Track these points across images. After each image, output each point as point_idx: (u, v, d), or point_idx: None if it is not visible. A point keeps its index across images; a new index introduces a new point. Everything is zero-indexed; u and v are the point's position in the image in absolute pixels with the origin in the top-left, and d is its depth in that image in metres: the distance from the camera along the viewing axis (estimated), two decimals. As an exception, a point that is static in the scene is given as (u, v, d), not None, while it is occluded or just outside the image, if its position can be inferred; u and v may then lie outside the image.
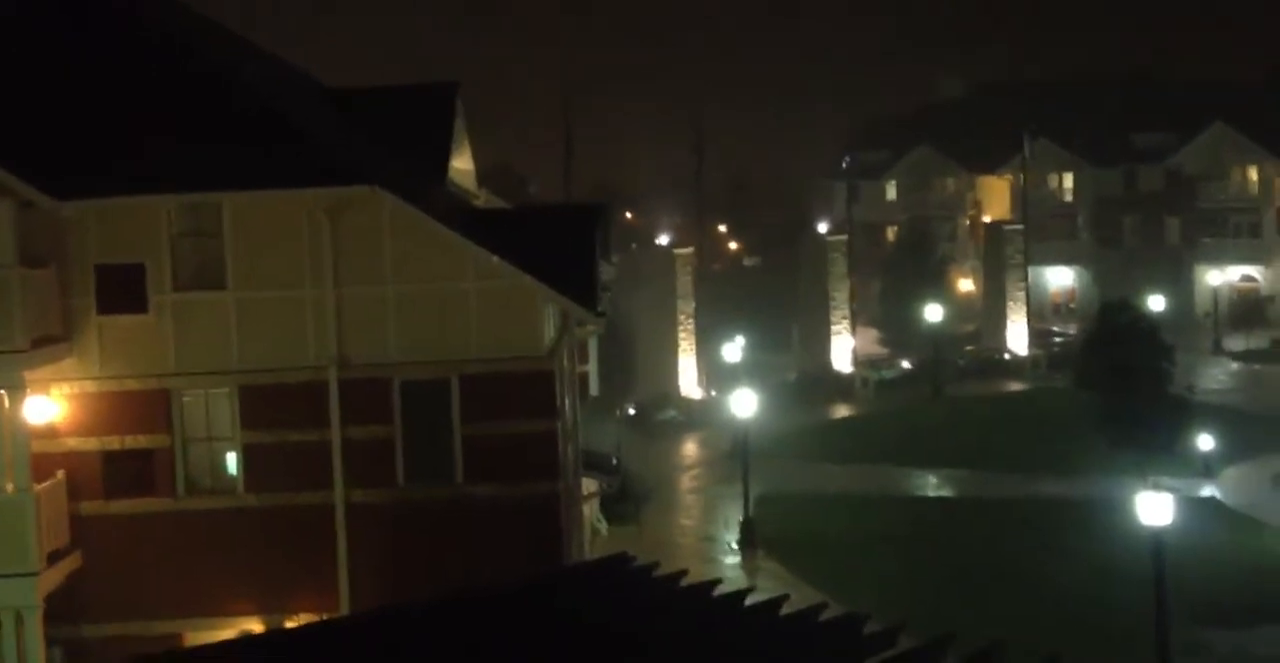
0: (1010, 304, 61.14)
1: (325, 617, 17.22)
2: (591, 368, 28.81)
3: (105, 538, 18.35)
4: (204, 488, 18.78)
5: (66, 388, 18.42)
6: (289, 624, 17.16)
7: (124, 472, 18.46)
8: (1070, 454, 39.74)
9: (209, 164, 18.48)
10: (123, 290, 18.48)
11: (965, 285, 76.02)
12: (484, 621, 11.81)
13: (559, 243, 19.84)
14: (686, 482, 40.86)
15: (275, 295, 18.67)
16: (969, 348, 61.63)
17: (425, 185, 21.42)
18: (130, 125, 18.78)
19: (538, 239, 19.73)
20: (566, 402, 21.30)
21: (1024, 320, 61.09)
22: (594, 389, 29.61)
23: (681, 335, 53.24)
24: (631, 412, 47.51)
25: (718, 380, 51.49)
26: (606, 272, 22.78)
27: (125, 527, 18.40)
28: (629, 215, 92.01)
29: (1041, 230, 72.47)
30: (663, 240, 76.49)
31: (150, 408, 18.51)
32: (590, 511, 29.54)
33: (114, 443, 18.51)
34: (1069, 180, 79.32)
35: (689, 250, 56.92)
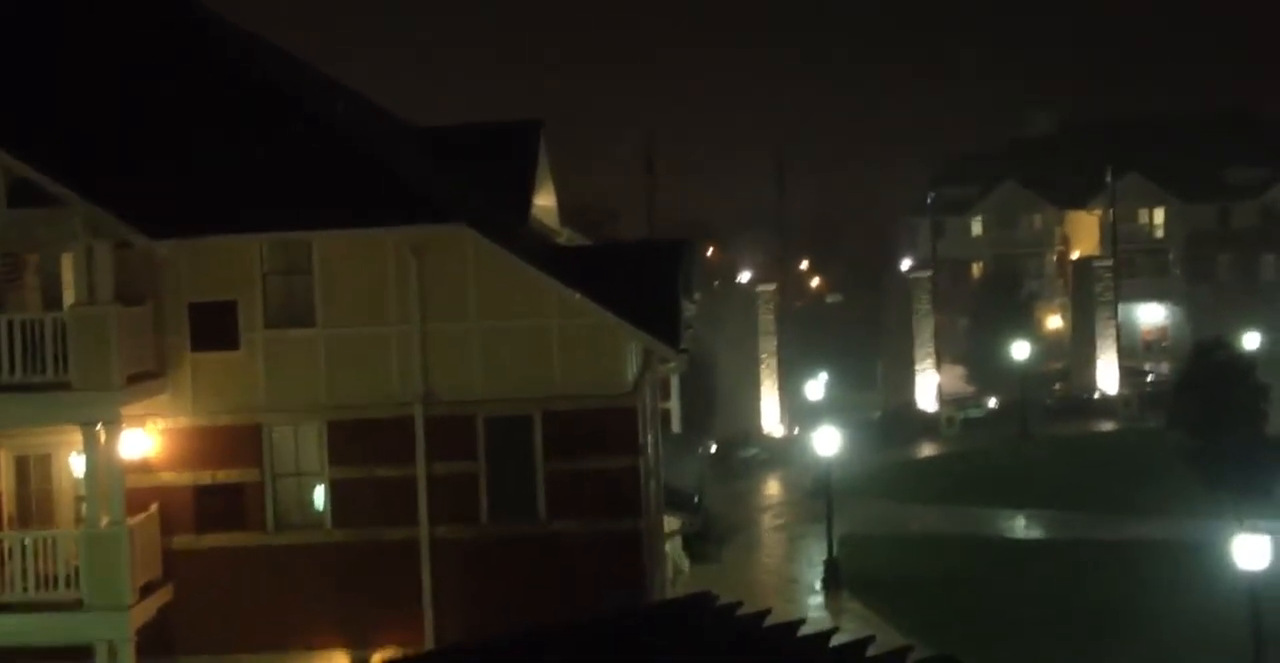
0: (1100, 342, 60.07)
1: (410, 652, 17.30)
2: (674, 405, 28.84)
3: (196, 572, 18.64)
4: (293, 523, 19.01)
5: (160, 423, 18.81)
6: (375, 658, 17.27)
7: (215, 506, 18.76)
8: (1163, 496, 38.82)
9: (299, 202, 18.85)
10: (215, 327, 18.86)
11: (1053, 323, 74.87)
12: (566, 657, 11.78)
13: (642, 280, 19.91)
14: (769, 520, 40.55)
15: (363, 332, 18.94)
16: (1057, 387, 60.60)
17: (509, 223, 21.64)
18: (223, 164, 19.22)
19: (621, 276, 19.82)
20: (649, 439, 21.29)
21: (1114, 359, 59.96)
22: (676, 426, 29.62)
23: (764, 372, 53.04)
24: (714, 449, 47.34)
25: (800, 418, 51.15)
26: (689, 308, 22.80)
27: (216, 561, 18.69)
28: (711, 252, 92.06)
29: (1132, 267, 71.29)
30: (745, 277, 76.45)
31: (241, 443, 18.82)
32: (672, 548, 29.41)
33: (206, 477, 18.84)
34: (1160, 216, 78.00)
35: (771, 287, 56.79)
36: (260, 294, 19.00)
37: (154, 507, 18.61)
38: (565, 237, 26.94)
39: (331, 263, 18.98)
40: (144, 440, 18.75)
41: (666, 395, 26.14)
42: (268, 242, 18.97)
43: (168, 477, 18.78)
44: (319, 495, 19.10)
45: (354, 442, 18.75)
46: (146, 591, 18.09)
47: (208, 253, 18.83)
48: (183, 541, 18.75)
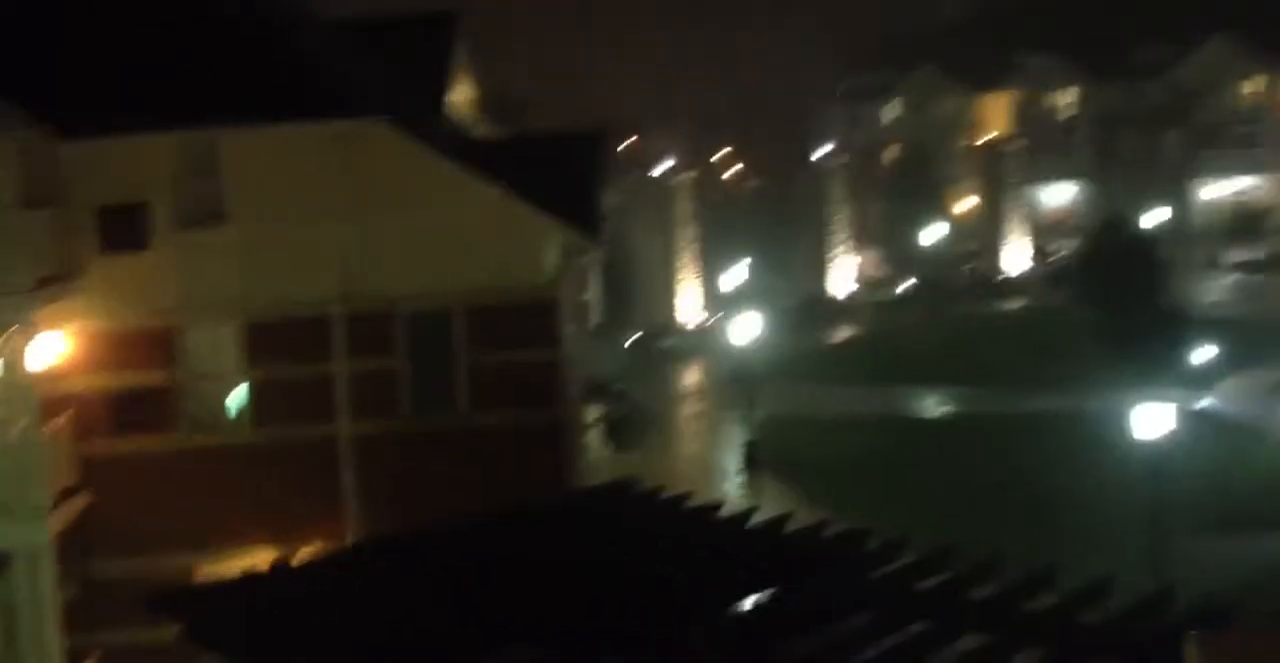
0: (1009, 223, 61.09)
1: (335, 546, 17.53)
2: (594, 296, 28.98)
3: (114, 476, 18.55)
4: (211, 424, 19.00)
5: (73, 328, 18.58)
6: (299, 554, 17.48)
7: (131, 410, 18.66)
8: (1070, 371, 40.02)
9: (210, 100, 18.45)
10: (125, 229, 18.55)
11: (965, 205, 75.79)
12: (490, 545, 12.08)
13: (560, 171, 19.87)
14: (689, 408, 41.24)
15: (278, 231, 18.74)
16: (968, 267, 61.70)
17: (426, 116, 21.39)
18: (129, 62, 18.70)
19: (539, 168, 19.76)
20: (569, 330, 21.47)
21: (1023, 239, 61.09)
22: (596, 317, 29.83)
23: (682, 262, 53.31)
24: (634, 339, 47.75)
25: (719, 306, 51.66)
26: (608, 199, 22.83)
27: (134, 465, 18.61)
28: (629, 142, 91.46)
29: (1041, 147, 72.04)
30: (663, 166, 76.15)
31: (156, 346, 18.67)
32: (595, 437, 29.86)
33: (121, 382, 18.71)
34: (1069, 96, 78.65)
35: (689, 177, 56.77)
36: (172, 194, 18.69)
37: (68, 412, 18.47)
38: (483, 129, 26.67)
39: (244, 160, 18.68)
40: (56, 345, 18.52)
41: (586, 287, 26.23)
42: (176, 140, 18.60)
43: (81, 382, 18.61)
44: (237, 396, 19.07)
45: (272, 342, 18.69)
46: (64, 496, 18.03)
47: (115, 153, 18.43)
48: (100, 446, 18.64)
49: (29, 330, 17.57)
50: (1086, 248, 45.07)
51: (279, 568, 12.43)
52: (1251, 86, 74.79)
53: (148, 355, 18.66)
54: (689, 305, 53.27)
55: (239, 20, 19.39)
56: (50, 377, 18.26)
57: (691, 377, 46.09)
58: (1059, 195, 77.46)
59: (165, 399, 18.78)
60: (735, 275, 51.94)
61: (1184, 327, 39.68)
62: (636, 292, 48.76)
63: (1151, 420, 22.81)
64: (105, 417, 18.68)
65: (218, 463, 18.71)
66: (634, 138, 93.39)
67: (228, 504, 18.58)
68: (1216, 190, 70.03)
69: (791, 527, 12.47)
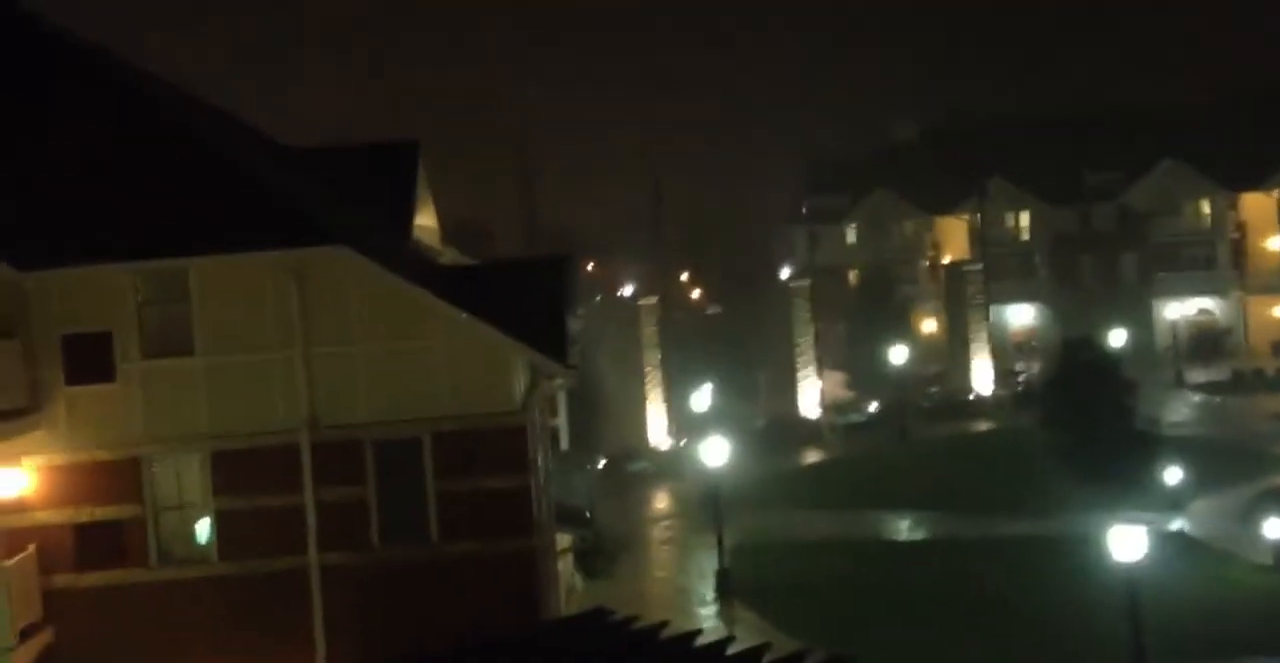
0: (973, 344, 61.65)
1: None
2: (561, 421, 28.81)
3: (79, 611, 18.10)
4: (177, 557, 18.60)
5: (36, 460, 18.26)
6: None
7: (96, 543, 18.26)
8: (1039, 492, 39.99)
9: (172, 229, 18.47)
10: (90, 359, 18.39)
11: (929, 327, 76.61)
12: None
13: (526, 297, 19.95)
14: (660, 533, 40.78)
15: (244, 359, 18.63)
16: (934, 389, 62.01)
17: (391, 244, 21.50)
18: (90, 192, 18.74)
19: (505, 293, 19.84)
20: (539, 456, 21.30)
21: (987, 360, 61.59)
22: (565, 442, 29.60)
23: (649, 386, 53.32)
24: (602, 464, 47.42)
25: (686, 430, 51.53)
26: (574, 324, 22.90)
27: (99, 599, 18.17)
28: (592, 266, 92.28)
29: (1000, 269, 73.19)
30: (627, 290, 76.77)
31: (121, 478, 18.36)
32: (565, 565, 29.40)
33: (85, 515, 18.33)
34: (1025, 219, 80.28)
35: (653, 300, 57.16)
36: (136, 323, 18.59)
37: (31, 547, 18.04)
38: (448, 256, 26.84)
39: (209, 289, 18.64)
40: (18, 478, 18.18)
41: (555, 412, 26.12)
42: (140, 270, 18.56)
43: (45, 515, 18.23)
44: (203, 528, 18.71)
45: (239, 471, 18.42)
46: (26, 634, 17.51)
47: (79, 283, 18.36)
48: (63, 580, 18.21)
49: (-10, 463, 17.26)
50: (1051, 368, 45.45)
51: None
52: (1203, 208, 76.65)
53: (113, 487, 18.34)
54: (657, 428, 53.11)
55: (203, 151, 19.54)
56: (14, 510, 17.88)
57: (661, 501, 45.71)
58: (1021, 316, 78.54)
59: (131, 531, 18.40)
60: (702, 397, 51.90)
61: (1153, 447, 39.85)
62: (604, 415, 48.59)
63: (1125, 543, 22.69)
64: (69, 550, 18.27)
65: (185, 596, 18.28)
66: (597, 263, 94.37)
67: (196, 638, 18.12)
68: (1176, 310, 71.15)
69: (770, 657, 12.22)
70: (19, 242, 17.84)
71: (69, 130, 19.44)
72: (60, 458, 18.30)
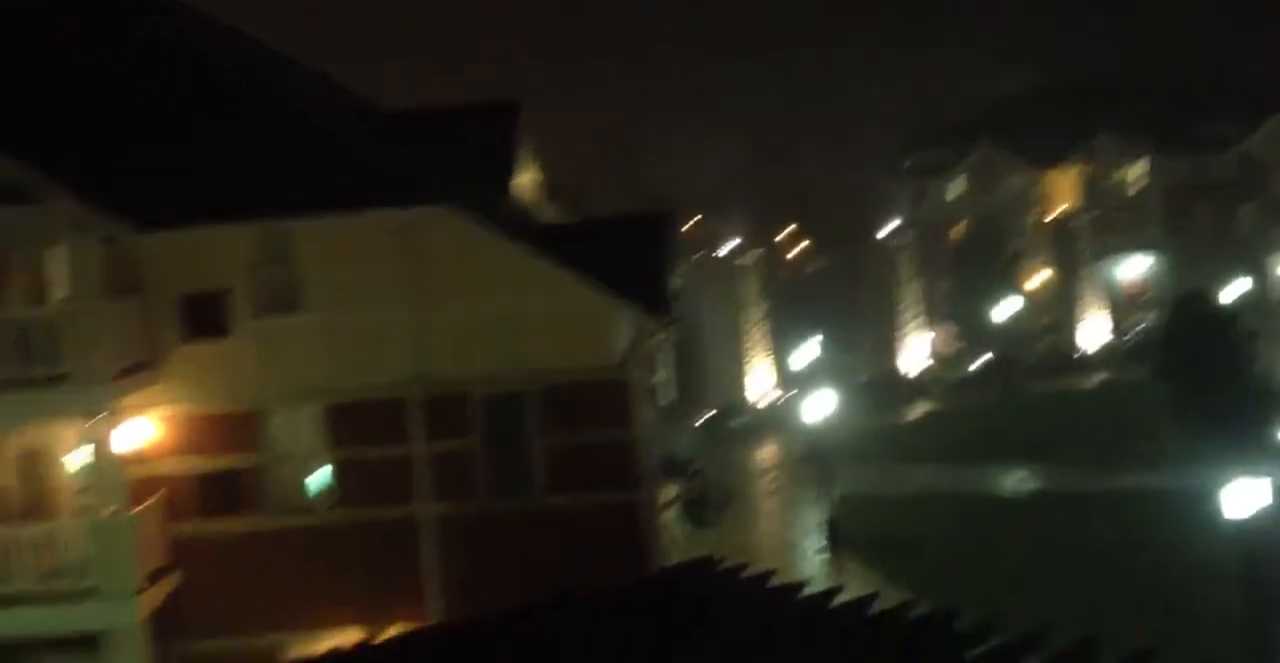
0: (1083, 298, 60.43)
1: (418, 627, 17.51)
2: (665, 376, 28.94)
3: (203, 556, 18.78)
4: (295, 505, 19.16)
5: (160, 413, 18.91)
6: (384, 634, 17.47)
7: (217, 492, 18.91)
8: (1151, 447, 39.21)
9: (281, 190, 18.89)
10: (206, 317, 18.94)
11: (1037, 281, 75.23)
12: (572, 627, 11.98)
13: (627, 253, 20.04)
14: (764, 486, 40.87)
15: (354, 316, 19.04)
16: (1042, 343, 61.00)
17: (493, 203, 21.71)
18: (205, 154, 19.24)
19: (606, 250, 19.94)
20: (642, 410, 21.47)
21: (1097, 314, 60.35)
22: (668, 397, 29.74)
23: (752, 341, 53.26)
24: (706, 418, 47.59)
25: (791, 384, 51.42)
26: (675, 280, 22.94)
27: (221, 545, 18.84)
28: (693, 223, 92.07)
29: (1111, 222, 71.50)
30: (729, 247, 76.48)
31: (238, 429, 18.94)
32: (671, 517, 29.64)
33: (206, 464, 18.97)
34: (1137, 171, 78.21)
35: (756, 255, 56.95)
36: (250, 282, 19.08)
37: (157, 495, 18.74)
38: (549, 214, 27.02)
39: (319, 249, 19.05)
40: (143, 430, 18.86)
41: (658, 367, 26.27)
42: (254, 231, 19.02)
43: (169, 465, 18.90)
44: (317, 478, 19.25)
45: (350, 424, 18.89)
46: (155, 577, 18.25)
47: (194, 244, 18.87)
48: (187, 527, 18.88)
49: (116, 417, 17.91)
50: (1165, 322, 44.34)
51: (363, 648, 12.42)
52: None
53: (232, 438, 18.93)
54: (760, 383, 53.08)
55: (307, 112, 19.92)
56: (138, 461, 18.59)
57: (765, 455, 45.76)
58: (1134, 269, 76.63)
59: (250, 481, 19.01)
60: (806, 353, 51.71)
61: (1269, 401, 38.77)
62: (707, 371, 48.71)
63: (1244, 497, 22.13)
64: (192, 498, 18.94)
65: (302, 544, 18.86)
66: (698, 218, 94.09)
67: (312, 585, 18.67)
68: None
69: (878, 607, 12.26)
70: (139, 204, 18.37)
71: (178, 95, 19.92)
72: (182, 410, 18.92)
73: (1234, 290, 58.08)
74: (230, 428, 18.90)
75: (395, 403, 18.82)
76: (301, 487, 19.26)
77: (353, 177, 18.85)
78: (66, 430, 18.33)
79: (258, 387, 18.97)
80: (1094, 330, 60.11)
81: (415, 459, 18.84)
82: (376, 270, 18.98)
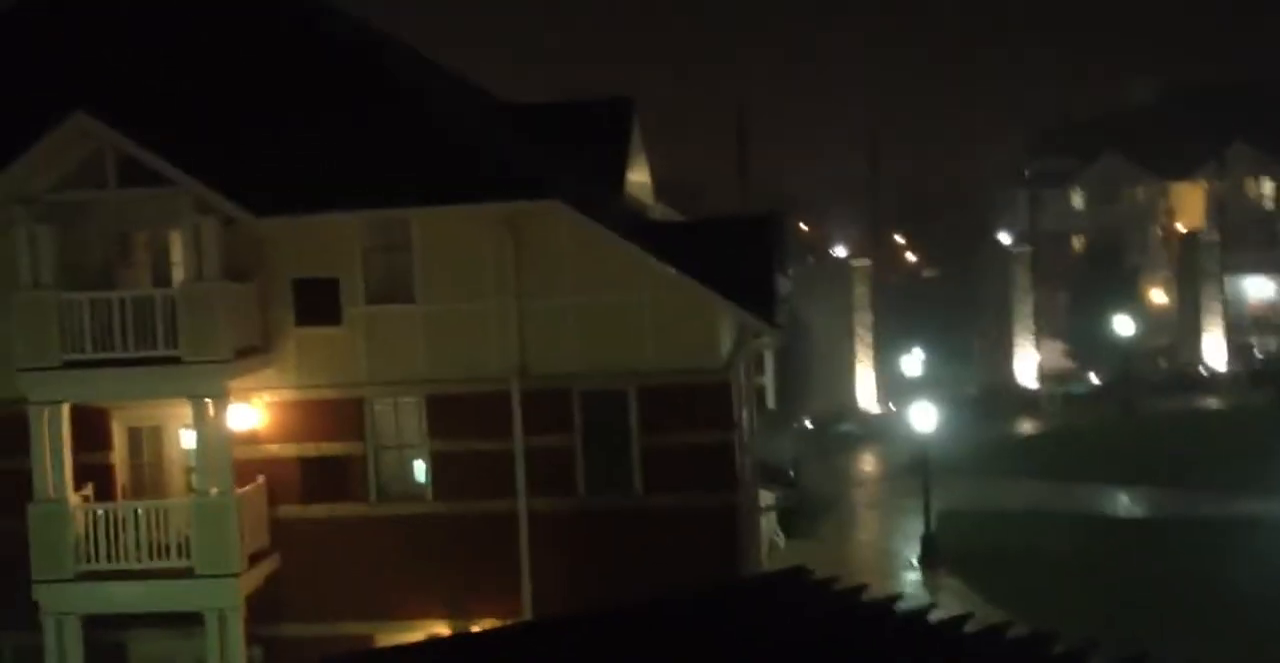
0: (1206, 317, 58.61)
1: (508, 622, 17.56)
2: (768, 381, 28.74)
3: (303, 541, 19.10)
4: (394, 494, 19.39)
5: (268, 396, 19.26)
6: (474, 629, 17.58)
7: (320, 477, 19.22)
8: (1273, 473, 37.84)
9: (396, 182, 19.12)
10: (318, 303, 19.25)
11: (1159, 297, 73.24)
12: (661, 630, 11.88)
13: (736, 254, 19.89)
14: (865, 496, 40.33)
15: (460, 308, 19.20)
16: (1162, 362, 59.31)
17: (603, 199, 21.73)
18: (323, 142, 19.53)
19: (715, 251, 19.82)
20: (744, 414, 21.30)
21: (1221, 334, 58.48)
22: (771, 402, 29.53)
23: (859, 348, 52.64)
24: (808, 425, 47.16)
25: (896, 394, 50.72)
26: (784, 284, 22.73)
27: (321, 530, 19.14)
28: (804, 226, 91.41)
29: (1239, 239, 69.33)
30: (839, 252, 75.84)
31: (344, 416, 19.21)
32: (768, 523, 29.42)
33: (310, 449, 19.28)
34: (1268, 186, 75.75)
35: (866, 262, 56.29)
36: (361, 270, 19.33)
37: (261, 478, 19.08)
38: (659, 212, 26.98)
39: (429, 239, 19.24)
40: (251, 413, 19.23)
41: (762, 371, 26.07)
42: (366, 219, 19.27)
43: (274, 448, 19.24)
44: (419, 468, 19.44)
45: (453, 415, 19.04)
46: (255, 559, 18.59)
47: (310, 230, 19.18)
48: (289, 511, 19.22)
49: (227, 398, 18.28)
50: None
51: (453, 639, 12.48)
52: None
53: (336, 425, 19.21)
54: (867, 391, 52.45)
55: (423, 103, 20.11)
56: (245, 443, 18.94)
57: (867, 464, 45.19)
58: (1261, 288, 74.25)
59: (352, 467, 19.27)
60: (914, 362, 50.94)
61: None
62: (812, 377, 48.26)
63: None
64: (295, 483, 19.26)
65: (399, 532, 19.07)
66: (810, 223, 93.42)
67: (406, 575, 18.88)
68: None
69: (972, 627, 11.96)
70: (256, 191, 18.73)
71: (299, 82, 20.27)
72: (290, 395, 19.25)
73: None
74: (335, 415, 19.18)
75: (497, 396, 18.92)
76: (401, 477, 19.46)
77: (467, 168, 19.00)
78: (180, 409, 18.75)
79: (363, 374, 19.21)
80: (1217, 351, 58.25)
81: (514, 454, 18.91)
82: (485, 262, 19.11)
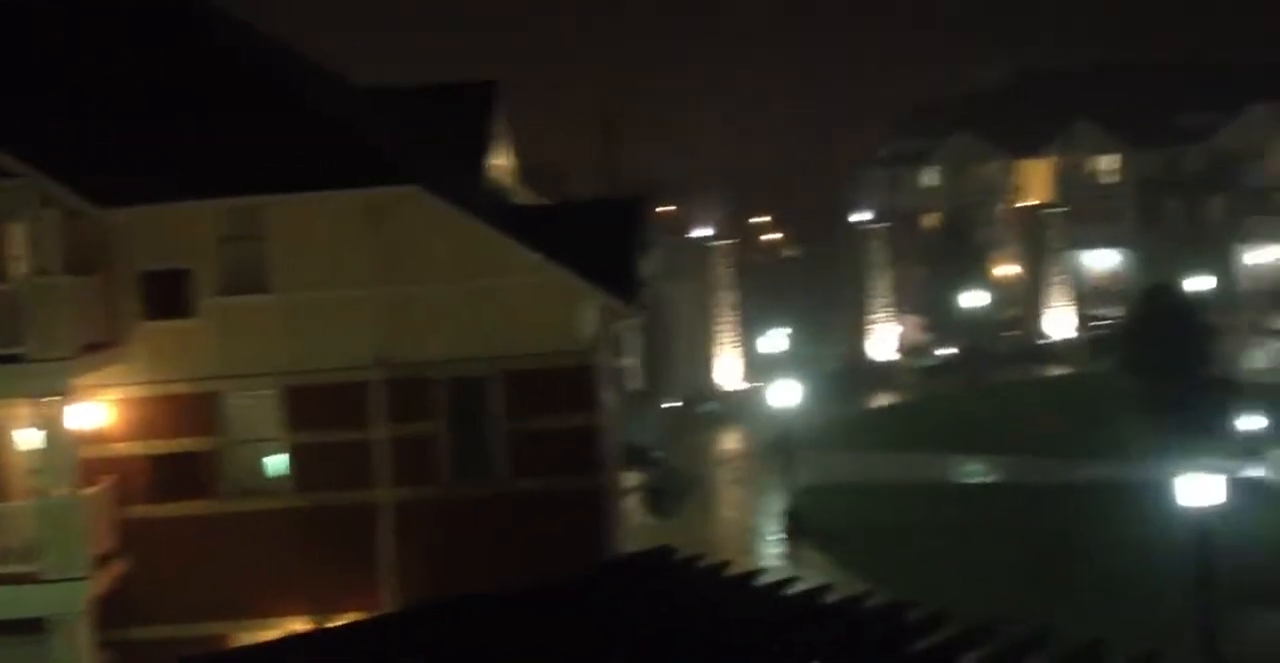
0: (1052, 288, 60.69)
1: (371, 616, 17.42)
2: (632, 362, 28.92)
3: (155, 541, 18.62)
4: (251, 489, 19.05)
5: (115, 393, 18.74)
6: (336, 623, 17.39)
7: (172, 475, 18.77)
8: (1116, 439, 39.43)
9: (252, 167, 18.73)
10: (169, 296, 18.79)
11: (1008, 271, 75.54)
12: (529, 614, 11.95)
13: (599, 237, 19.98)
14: (729, 474, 40.91)
15: (319, 296, 18.92)
16: (1011, 333, 61.24)
17: (466, 183, 21.60)
18: (172, 129, 19.04)
19: (578, 234, 19.88)
20: (608, 396, 21.43)
21: (1066, 305, 60.63)
22: (635, 383, 29.73)
23: (722, 328, 53.26)
24: (673, 405, 47.59)
25: (759, 372, 51.48)
26: (646, 265, 22.88)
27: (173, 530, 18.69)
28: (668, 209, 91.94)
29: (1084, 213, 71.82)
30: (702, 232, 76.39)
31: (197, 411, 18.80)
32: (634, 504, 29.65)
33: (161, 447, 18.82)
34: (1111, 163, 78.58)
35: (728, 242, 56.89)
36: (215, 261, 18.91)
37: (109, 478, 18.55)
38: (523, 196, 26.91)
39: (287, 228, 18.90)
40: (99, 411, 18.68)
41: (625, 352, 26.23)
42: (220, 207, 18.85)
43: (123, 447, 18.75)
44: (276, 462, 19.12)
45: (312, 406, 18.77)
46: (103, 562, 18.06)
47: (160, 220, 18.70)
48: (140, 510, 18.73)
49: (72, 396, 17.73)
50: (1131, 314, 44.60)
51: (315, 633, 12.35)
52: (1293, 153, 74.32)
53: (189, 420, 18.79)
54: (728, 371, 53.11)
55: (280, 90, 19.72)
56: (92, 441, 18.39)
57: (731, 442, 45.82)
58: (1102, 261, 77.05)
59: (206, 464, 18.87)
60: (774, 340, 51.75)
61: (1231, 394, 39.08)
62: (675, 357, 48.69)
63: (1199, 490, 22.37)
64: (146, 481, 18.79)
65: (256, 528, 18.73)
66: (671, 204, 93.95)
67: (265, 571, 18.57)
68: (1261, 256, 69.38)
69: (832, 597, 12.29)
70: (100, 179, 18.17)
71: (149, 70, 19.71)
72: (139, 391, 18.77)
73: (1201, 283, 58.38)
74: (187, 410, 18.75)
75: (357, 386, 18.72)
76: (258, 471, 19.13)
77: (324, 154, 18.71)
78: (21, 408, 18.13)
79: (217, 367, 18.82)
80: (1063, 321, 60.40)
81: (375, 443, 18.74)
82: (344, 250, 18.87)
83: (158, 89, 19.57)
